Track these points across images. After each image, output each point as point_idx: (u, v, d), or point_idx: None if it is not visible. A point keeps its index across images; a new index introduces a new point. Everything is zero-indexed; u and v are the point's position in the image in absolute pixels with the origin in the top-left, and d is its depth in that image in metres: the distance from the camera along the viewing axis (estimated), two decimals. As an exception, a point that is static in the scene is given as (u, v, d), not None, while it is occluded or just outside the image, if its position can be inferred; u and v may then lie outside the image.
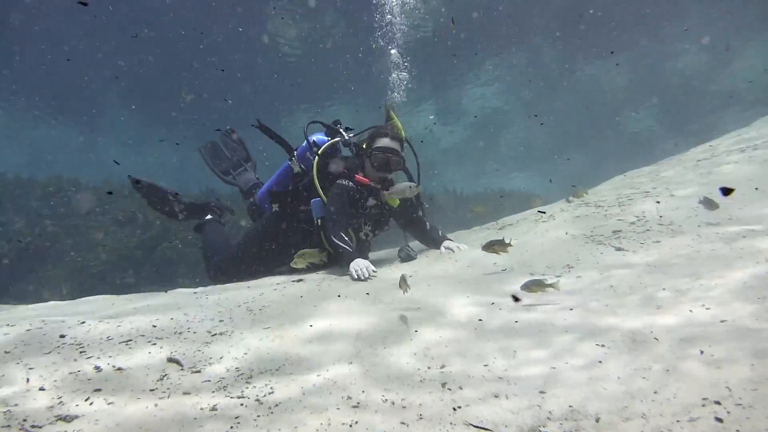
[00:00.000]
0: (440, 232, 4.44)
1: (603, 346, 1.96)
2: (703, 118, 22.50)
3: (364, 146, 4.24)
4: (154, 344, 2.43)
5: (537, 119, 21.42)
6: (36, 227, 10.67)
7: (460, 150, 25.52)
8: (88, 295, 8.67)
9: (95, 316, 2.85)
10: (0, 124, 20.20)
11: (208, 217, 5.11)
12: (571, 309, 2.41)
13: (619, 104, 22.77)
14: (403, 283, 2.87)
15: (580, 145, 26.25)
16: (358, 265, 3.60)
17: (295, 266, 3.68)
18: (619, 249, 3.35)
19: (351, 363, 2.18)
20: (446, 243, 4.16)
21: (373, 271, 3.61)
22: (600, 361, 1.85)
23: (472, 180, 25.65)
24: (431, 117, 21.34)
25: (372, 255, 4.96)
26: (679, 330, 2.01)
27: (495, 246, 3.44)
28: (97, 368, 2.15)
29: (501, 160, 27.11)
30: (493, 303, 2.64)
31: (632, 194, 4.74)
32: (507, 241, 3.39)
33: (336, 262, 4.02)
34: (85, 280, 9.40)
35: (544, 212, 4.68)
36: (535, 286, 2.68)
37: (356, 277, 3.46)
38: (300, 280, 3.46)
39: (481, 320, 2.44)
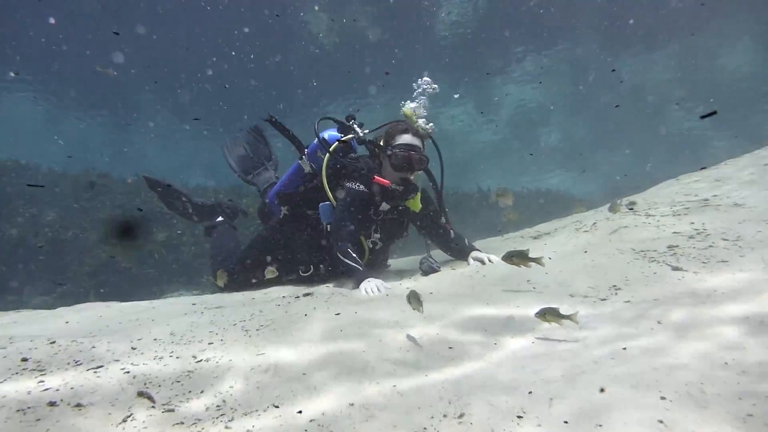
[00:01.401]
0: (466, 241, 4.01)
1: (662, 422, 1.51)
2: (753, 117, 21.20)
3: (381, 143, 3.85)
4: (128, 372, 2.10)
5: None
6: (64, 220, 10.70)
7: (497, 148, 24.82)
8: (109, 290, 8.60)
9: (72, 333, 2.56)
10: (40, 119, 20.66)
11: (219, 219, 4.82)
12: (624, 349, 1.97)
13: (665, 101, 21.66)
14: (415, 301, 2.49)
15: (621, 143, 25.19)
16: (369, 286, 3.23)
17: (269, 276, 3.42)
18: (676, 269, 2.86)
19: (352, 405, 1.80)
20: (474, 254, 3.73)
21: (387, 288, 3.24)
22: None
23: (509, 179, 24.95)
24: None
25: (393, 263, 4.57)
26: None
27: (515, 258, 3.00)
28: (52, 403, 1.83)
29: (539, 158, 26.28)
30: (533, 342, 2.21)
31: (688, 202, 4.19)
32: (531, 254, 2.96)
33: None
34: (109, 275, 9.35)
35: (581, 222, 4.20)
36: (550, 315, 2.25)
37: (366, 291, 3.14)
38: (308, 294, 3.10)
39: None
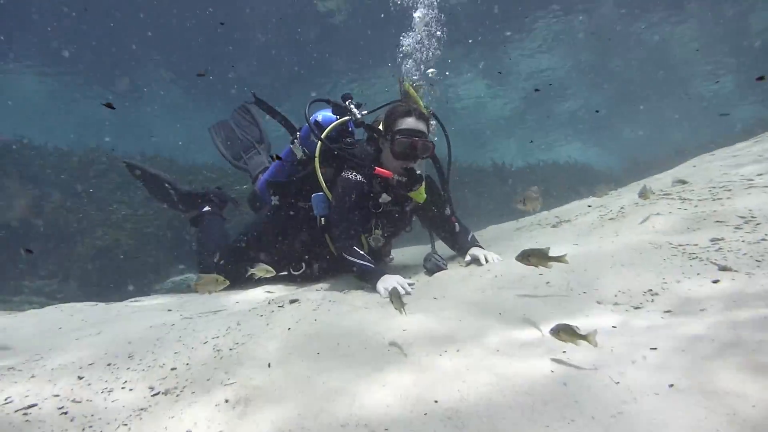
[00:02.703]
0: (471, 236, 3.57)
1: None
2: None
3: (380, 128, 3.42)
4: (65, 413, 1.76)
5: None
6: (67, 201, 10.46)
7: (512, 119, 24.05)
8: (112, 273, 8.31)
9: (18, 354, 2.23)
10: (48, 95, 20.39)
11: (206, 208, 4.43)
12: (672, 385, 1.56)
13: (689, 67, 20.67)
14: (397, 300, 2.21)
15: (642, 112, 24.27)
16: (388, 283, 2.86)
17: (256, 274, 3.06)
18: (724, 269, 2.43)
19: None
20: (472, 250, 3.30)
21: (410, 285, 2.87)
22: None
23: (524, 151, 24.25)
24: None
25: (396, 255, 4.17)
26: None
27: (532, 258, 2.58)
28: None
29: (556, 130, 25.48)
30: (552, 370, 1.80)
31: (729, 182, 3.70)
32: (550, 252, 2.54)
33: (345, 268, 3.29)
34: (111, 259, 9.11)
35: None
36: (564, 333, 1.85)
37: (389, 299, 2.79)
38: (294, 301, 2.72)
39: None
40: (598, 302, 2.38)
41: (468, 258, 3.23)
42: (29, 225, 9.97)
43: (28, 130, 15.27)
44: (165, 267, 9.13)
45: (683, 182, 3.80)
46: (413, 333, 2.19)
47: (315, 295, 2.88)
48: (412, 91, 3.38)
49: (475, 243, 3.44)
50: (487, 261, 3.08)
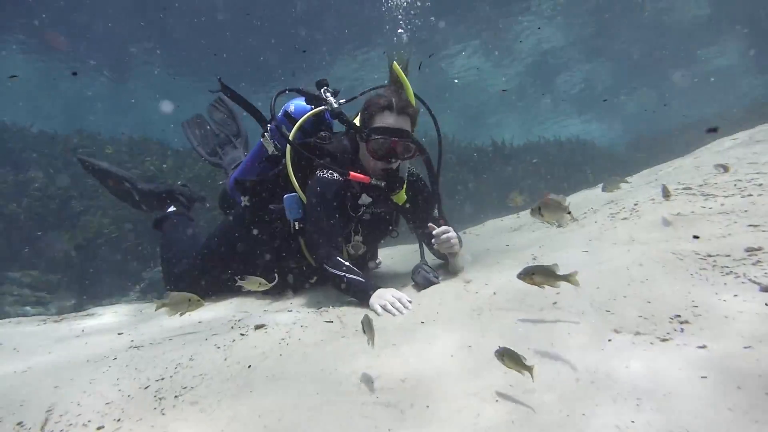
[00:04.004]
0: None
1: None
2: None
3: (357, 121, 2.99)
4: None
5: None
6: (51, 186, 10.06)
7: (512, 95, 23.40)
8: (98, 264, 7.95)
9: None
10: (36, 75, 19.76)
11: (171, 209, 4.00)
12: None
13: (694, 36, 19.94)
14: (368, 329, 1.89)
15: (645, 85, 23.63)
16: (385, 299, 2.50)
17: (245, 286, 2.65)
18: (766, 290, 2.04)
19: None
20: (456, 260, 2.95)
21: (408, 301, 2.51)
22: None
23: (526, 128, 23.69)
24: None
25: (383, 258, 3.77)
26: None
27: (536, 277, 2.18)
28: None
29: (557, 105, 24.87)
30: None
31: (758, 174, 3.29)
32: (557, 263, 2.15)
33: (322, 277, 2.90)
34: (96, 248, 8.76)
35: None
36: (509, 360, 1.71)
37: (384, 308, 2.49)
38: (260, 327, 2.34)
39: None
40: (616, 330, 2.00)
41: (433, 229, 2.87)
42: (11, 212, 9.61)
43: (14, 113, 14.83)
44: (152, 256, 8.79)
45: (724, 166, 3.36)
46: (395, 375, 1.82)
47: (285, 317, 2.49)
48: (401, 74, 2.93)
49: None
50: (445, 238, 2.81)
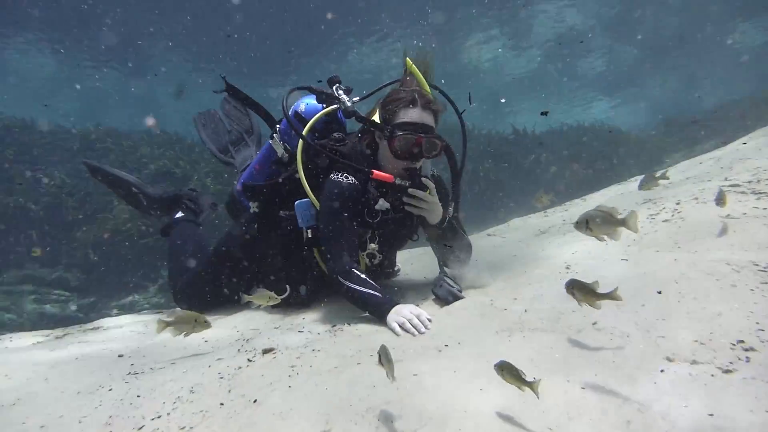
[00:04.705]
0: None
1: None
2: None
3: (376, 119, 2.76)
4: None
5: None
6: (68, 183, 10.04)
7: (532, 79, 22.80)
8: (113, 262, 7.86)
9: None
10: (54, 72, 19.86)
11: (179, 215, 3.81)
12: None
13: (724, 15, 19.12)
14: (385, 361, 1.65)
15: (671, 67, 22.82)
16: (403, 316, 2.28)
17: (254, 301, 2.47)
18: (844, 311, 1.77)
19: None
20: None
21: (429, 319, 2.29)
22: None
23: (548, 116, 23.08)
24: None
25: (401, 265, 3.54)
26: None
27: (576, 292, 1.93)
28: None
29: (580, 90, 24.20)
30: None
31: (815, 169, 2.98)
32: (596, 287, 1.90)
33: (340, 293, 2.69)
34: (114, 245, 8.70)
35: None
36: (509, 375, 1.61)
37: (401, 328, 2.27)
38: (269, 351, 2.14)
39: None
40: (669, 359, 1.75)
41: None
42: (26, 210, 9.63)
43: (32, 109, 14.89)
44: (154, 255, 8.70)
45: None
46: (418, 411, 1.62)
47: (296, 339, 2.29)
48: (415, 69, 2.69)
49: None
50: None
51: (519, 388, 1.58)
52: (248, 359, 2.10)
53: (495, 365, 1.62)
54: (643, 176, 3.24)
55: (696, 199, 2.98)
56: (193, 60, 18.78)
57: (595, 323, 2.03)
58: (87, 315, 8.49)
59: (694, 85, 23.58)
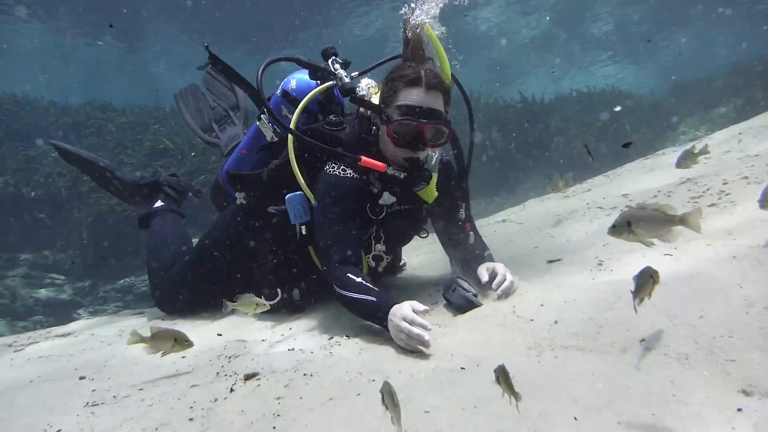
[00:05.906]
0: (488, 253, 2.51)
1: None
2: None
3: (375, 100, 2.37)
4: None
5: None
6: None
7: (539, 44, 22.01)
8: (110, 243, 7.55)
9: None
10: (52, 47, 19.25)
11: (159, 204, 3.41)
12: None
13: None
14: (392, 407, 1.30)
15: (681, 25, 21.91)
16: (401, 329, 1.89)
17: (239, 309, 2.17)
18: None
19: None
20: (483, 266, 2.34)
21: (428, 329, 1.91)
22: None
23: (556, 78, 22.40)
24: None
25: (408, 261, 3.17)
26: None
27: (637, 229, 1.62)
28: None
29: (589, 52, 23.39)
30: None
31: None
32: (668, 209, 1.61)
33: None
34: (108, 226, 8.38)
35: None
36: None
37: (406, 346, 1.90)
38: (251, 377, 1.80)
39: None
40: (745, 392, 1.40)
41: (485, 275, 2.26)
42: (22, 194, 9.31)
43: (29, 84, 14.43)
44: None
45: None
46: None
47: (284, 360, 1.93)
48: (436, 40, 2.25)
49: (483, 257, 2.47)
50: (505, 285, 2.16)
51: (512, 396, 1.30)
52: (227, 388, 1.76)
53: (494, 370, 1.34)
54: (680, 152, 2.83)
55: (746, 178, 2.59)
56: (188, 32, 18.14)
57: (643, 340, 1.67)
58: (84, 299, 8.27)
59: (705, 46, 22.71)
